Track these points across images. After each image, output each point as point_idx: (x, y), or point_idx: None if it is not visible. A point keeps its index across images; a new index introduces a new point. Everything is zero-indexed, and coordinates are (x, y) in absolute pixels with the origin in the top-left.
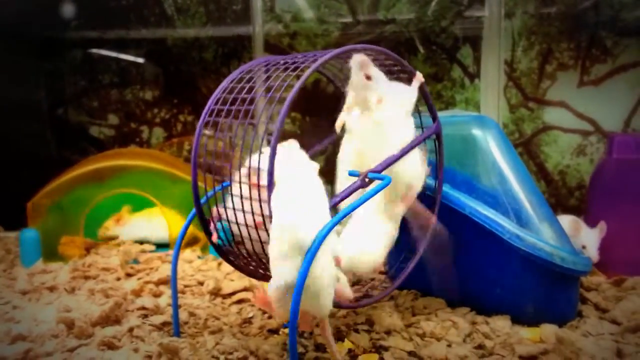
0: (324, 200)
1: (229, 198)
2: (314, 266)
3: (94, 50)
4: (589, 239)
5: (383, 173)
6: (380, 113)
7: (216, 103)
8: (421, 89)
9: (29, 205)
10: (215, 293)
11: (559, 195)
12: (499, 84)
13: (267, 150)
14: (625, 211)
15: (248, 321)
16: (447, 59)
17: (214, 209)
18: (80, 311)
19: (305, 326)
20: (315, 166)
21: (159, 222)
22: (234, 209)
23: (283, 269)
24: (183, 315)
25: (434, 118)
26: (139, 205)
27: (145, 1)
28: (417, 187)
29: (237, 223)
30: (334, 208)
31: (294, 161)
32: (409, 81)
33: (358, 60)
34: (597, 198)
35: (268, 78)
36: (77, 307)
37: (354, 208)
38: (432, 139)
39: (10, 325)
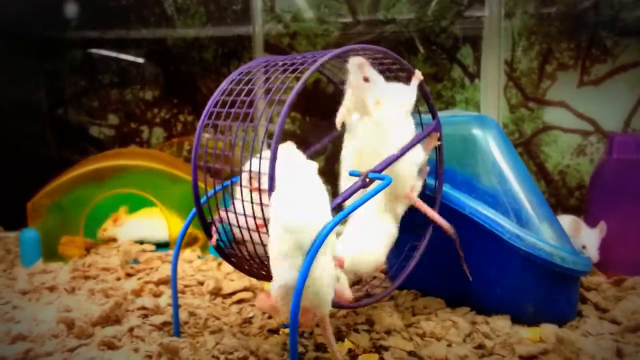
0: (324, 199)
1: (233, 201)
2: (314, 266)
3: (94, 50)
4: (589, 239)
5: (383, 173)
6: (380, 113)
7: (215, 106)
8: (420, 87)
9: (29, 205)
10: (216, 293)
11: (559, 195)
12: (499, 84)
13: (266, 154)
14: (625, 211)
15: (248, 321)
16: (447, 59)
17: (218, 214)
18: (80, 311)
19: (306, 325)
20: (314, 166)
21: (156, 221)
22: (235, 212)
23: (284, 269)
24: (183, 315)
25: (434, 115)
26: (139, 205)
27: (145, 1)
28: (418, 187)
29: (239, 226)
30: (338, 207)
31: (293, 162)
32: (408, 80)
33: (356, 63)
34: (597, 198)
35: (267, 79)
36: (77, 307)
37: (354, 208)
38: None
39: (11, 325)
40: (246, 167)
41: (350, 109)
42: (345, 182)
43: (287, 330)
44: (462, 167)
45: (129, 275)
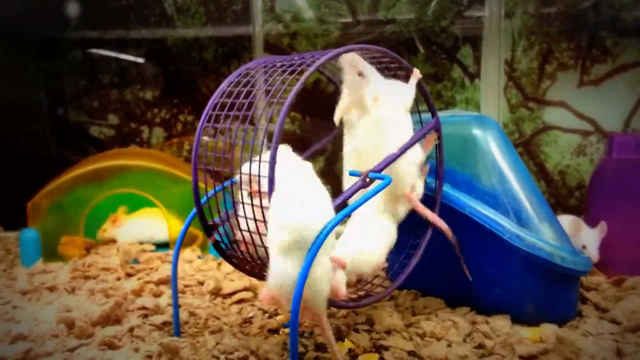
0: (325, 197)
1: (234, 202)
2: (312, 264)
3: (94, 50)
4: (589, 238)
5: (383, 172)
6: (378, 111)
7: (214, 109)
8: (419, 85)
9: (29, 205)
10: (216, 293)
11: (559, 195)
12: (499, 84)
13: (265, 156)
14: (625, 211)
15: (248, 321)
16: (447, 59)
17: (224, 213)
18: (80, 311)
19: (306, 317)
20: (309, 166)
21: (156, 222)
22: (236, 214)
23: (281, 262)
24: (183, 315)
25: (433, 114)
26: (139, 205)
27: (145, 1)
28: (418, 188)
29: (240, 229)
30: (339, 207)
31: (289, 163)
32: (407, 80)
33: (348, 60)
34: (597, 198)
35: (267, 80)
36: (77, 307)
37: (354, 207)
38: (432, 135)
39: (11, 325)
40: (242, 169)
41: (349, 106)
42: (347, 182)
43: (287, 330)
44: (462, 167)
45: (129, 275)
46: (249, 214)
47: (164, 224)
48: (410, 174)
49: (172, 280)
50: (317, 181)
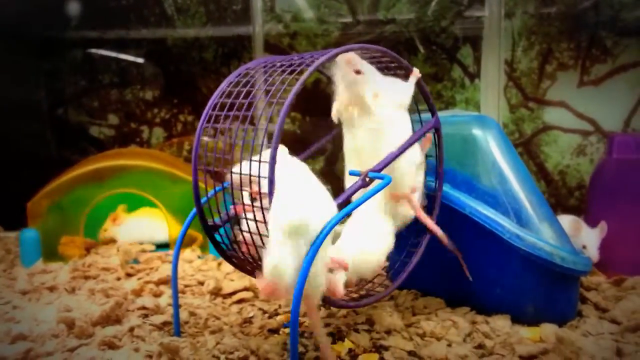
0: (324, 192)
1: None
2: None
3: (94, 50)
4: (589, 238)
5: (383, 172)
6: (378, 109)
7: (214, 109)
8: (419, 85)
9: (29, 205)
10: (216, 293)
11: (559, 195)
12: (499, 84)
13: (262, 156)
14: (625, 211)
15: (248, 321)
16: (447, 59)
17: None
18: (80, 311)
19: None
20: (305, 166)
21: (156, 221)
22: (236, 215)
23: (277, 248)
24: (183, 315)
25: (433, 113)
26: (139, 205)
27: (145, 1)
28: (418, 187)
29: (241, 230)
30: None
31: (288, 162)
32: (406, 79)
33: (344, 59)
34: (597, 198)
35: (267, 79)
36: (77, 306)
37: (355, 206)
38: (431, 134)
39: (11, 325)
40: (236, 169)
41: (348, 105)
42: (348, 181)
43: (287, 330)
44: (462, 167)
45: (129, 275)
46: (250, 215)
47: (164, 224)
48: (410, 174)
49: (172, 280)
50: (315, 179)
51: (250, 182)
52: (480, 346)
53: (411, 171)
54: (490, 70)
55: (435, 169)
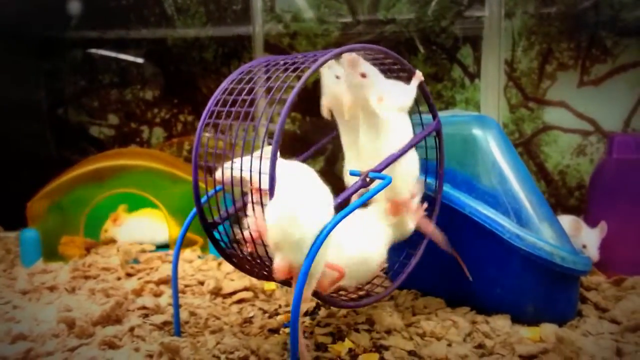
0: (321, 185)
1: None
2: (310, 217)
3: (94, 50)
4: (589, 238)
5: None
6: (383, 112)
7: (216, 104)
8: (421, 87)
9: (29, 205)
10: (216, 293)
11: (559, 195)
12: (499, 84)
13: (256, 155)
14: (625, 211)
15: (249, 321)
16: (447, 59)
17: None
18: (80, 311)
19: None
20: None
21: (156, 222)
22: (235, 210)
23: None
24: (184, 315)
25: (434, 116)
26: (139, 205)
27: (145, 1)
28: (417, 192)
29: (240, 227)
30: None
31: (283, 161)
32: (408, 80)
33: (349, 60)
34: (597, 198)
35: (268, 78)
36: (77, 306)
37: (355, 207)
38: (432, 136)
39: (11, 325)
40: (233, 164)
41: (351, 106)
42: (349, 181)
43: (287, 330)
44: (462, 167)
45: (129, 275)
46: (250, 212)
47: (164, 225)
48: (409, 179)
49: (172, 280)
50: (317, 178)
51: (251, 178)
52: (480, 346)
53: (411, 175)
54: (490, 70)
55: (436, 170)
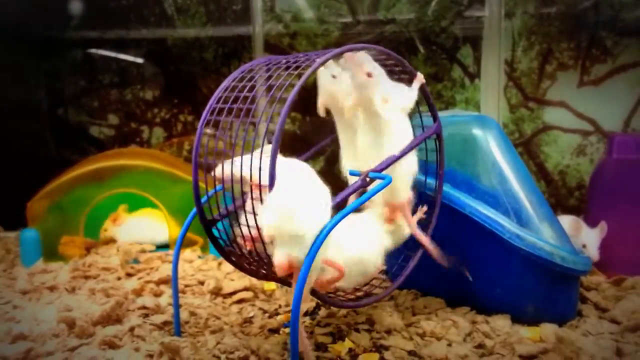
0: (318, 181)
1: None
2: (311, 213)
3: (94, 50)
4: (589, 238)
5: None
6: (386, 113)
7: (217, 102)
8: (422, 89)
9: (29, 205)
10: (216, 292)
11: (559, 195)
12: (499, 84)
13: (259, 152)
14: (625, 211)
15: (249, 320)
16: (447, 59)
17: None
18: (81, 311)
19: (281, 272)
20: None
21: (156, 221)
22: (235, 208)
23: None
24: (184, 315)
25: (435, 118)
26: (139, 205)
27: (145, 1)
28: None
29: (239, 224)
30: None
31: (281, 159)
32: (409, 81)
33: (355, 59)
34: (597, 198)
35: (269, 78)
36: (77, 306)
37: (356, 205)
38: (432, 138)
39: (11, 325)
40: (233, 162)
41: (354, 106)
42: (350, 181)
43: (287, 330)
44: (462, 167)
45: (129, 275)
46: (250, 209)
47: (164, 225)
48: (408, 180)
49: (172, 280)
50: (316, 178)
51: (251, 174)
52: (480, 346)
53: (409, 177)
54: (490, 70)
55: (436, 172)
